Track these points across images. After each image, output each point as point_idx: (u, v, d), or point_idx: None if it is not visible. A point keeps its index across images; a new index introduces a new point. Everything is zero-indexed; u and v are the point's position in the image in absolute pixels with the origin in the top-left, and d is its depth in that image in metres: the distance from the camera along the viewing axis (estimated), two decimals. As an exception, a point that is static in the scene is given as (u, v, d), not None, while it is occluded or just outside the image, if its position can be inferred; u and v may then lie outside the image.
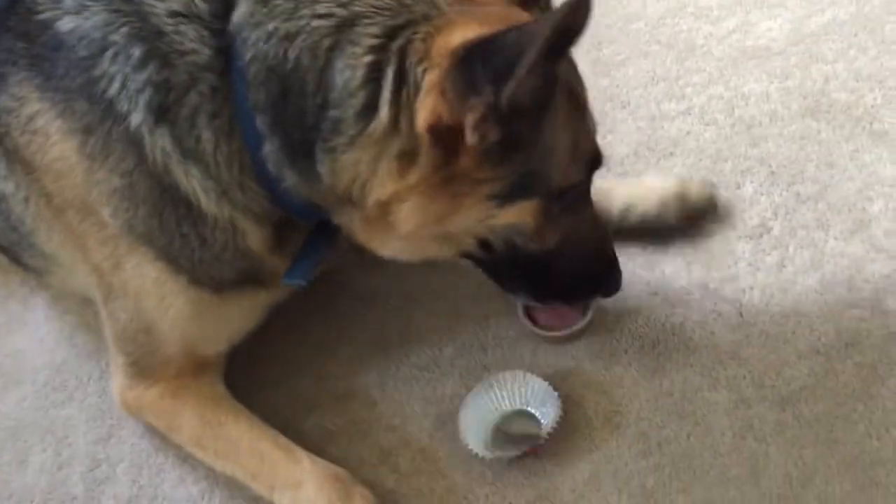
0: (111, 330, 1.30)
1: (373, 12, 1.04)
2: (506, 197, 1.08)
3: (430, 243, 1.16)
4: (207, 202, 1.14)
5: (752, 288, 1.34)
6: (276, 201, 1.15)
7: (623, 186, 1.44)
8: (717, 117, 1.57)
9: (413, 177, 1.05)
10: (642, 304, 1.35)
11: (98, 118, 1.12)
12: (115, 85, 1.10)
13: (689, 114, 1.58)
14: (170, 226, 1.16)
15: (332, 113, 1.04)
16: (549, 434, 1.20)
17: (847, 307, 1.29)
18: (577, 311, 1.33)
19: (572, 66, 1.12)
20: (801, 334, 1.28)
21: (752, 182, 1.46)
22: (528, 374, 1.27)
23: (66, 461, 1.34)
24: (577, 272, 1.22)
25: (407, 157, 1.04)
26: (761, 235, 1.40)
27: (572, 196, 1.15)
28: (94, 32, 1.11)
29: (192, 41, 1.09)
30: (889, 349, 1.24)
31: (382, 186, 1.06)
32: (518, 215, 1.11)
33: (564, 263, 1.20)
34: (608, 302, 1.32)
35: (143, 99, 1.10)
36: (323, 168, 1.07)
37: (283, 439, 1.25)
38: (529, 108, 1.00)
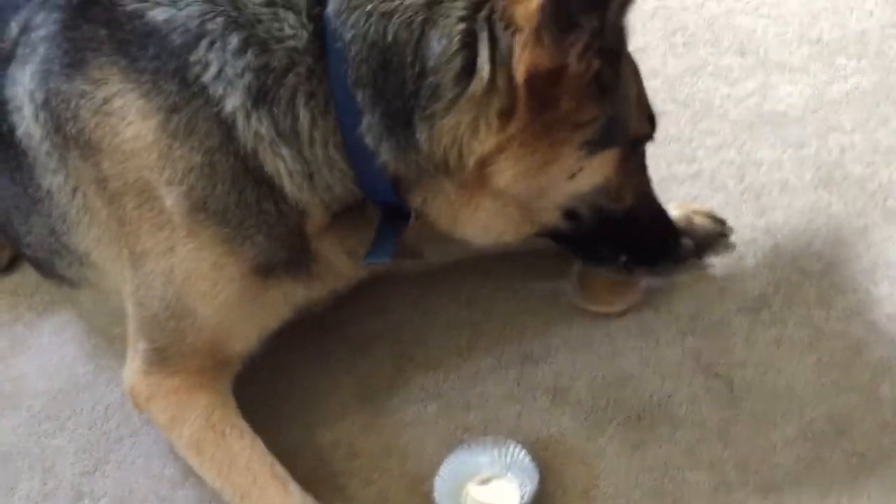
0: (138, 317, 1.30)
1: None
2: (595, 144, 1.16)
3: (513, 212, 1.22)
4: (291, 183, 1.18)
5: (745, 364, 1.31)
6: (361, 181, 1.20)
7: None
8: (726, 182, 1.55)
9: (513, 128, 1.12)
10: (633, 374, 1.33)
11: (187, 99, 1.16)
12: (212, 70, 1.15)
13: (699, 178, 1.56)
14: (249, 204, 1.19)
15: (430, 80, 1.11)
16: None
17: (842, 391, 1.26)
18: (633, 287, 1.41)
19: (633, 59, 1.24)
20: (792, 417, 1.24)
21: (755, 253, 1.44)
22: (510, 441, 1.25)
23: (50, 491, 1.36)
24: (652, 233, 1.34)
25: (506, 114, 1.11)
26: (760, 309, 1.37)
27: (640, 152, 1.29)
28: (189, 22, 1.16)
29: (290, 27, 1.14)
30: (881, 439, 1.21)
31: (483, 143, 1.13)
32: (603, 169, 1.20)
33: (643, 223, 1.31)
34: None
35: (242, 83, 1.14)
36: (422, 135, 1.13)
37: (279, 468, 1.24)
38: (612, 50, 1.11)
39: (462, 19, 1.11)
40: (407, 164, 1.17)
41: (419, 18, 1.12)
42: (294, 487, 1.23)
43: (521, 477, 1.22)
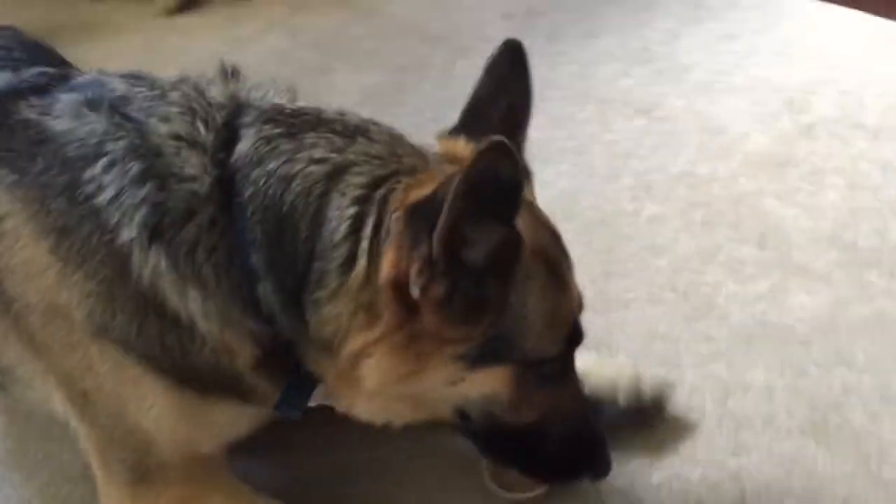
0: (95, 440, 1.21)
1: (364, 160, 1.07)
2: (475, 360, 1.06)
3: (399, 405, 1.13)
4: (207, 325, 1.09)
5: None
6: (274, 335, 1.10)
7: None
8: (705, 402, 1.36)
9: (378, 331, 1.04)
10: None
11: (77, 221, 1.09)
12: (107, 194, 1.08)
13: (676, 390, 1.38)
14: (150, 335, 1.10)
15: (318, 264, 1.05)
16: None
17: None
18: None
19: (552, 236, 1.13)
20: None
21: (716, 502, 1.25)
22: None
23: None
24: (560, 451, 1.18)
25: (374, 311, 1.04)
26: (707, 574, 1.18)
27: (549, 369, 1.13)
28: (89, 138, 1.11)
29: (192, 167, 1.08)
30: None
31: (353, 339, 1.05)
32: (490, 383, 1.09)
33: (547, 440, 1.17)
34: None
35: (139, 216, 1.07)
36: (311, 317, 1.06)
37: None
38: (490, 268, 1.01)
39: (356, 200, 1.05)
40: (298, 336, 1.10)
41: (317, 191, 1.06)
42: None
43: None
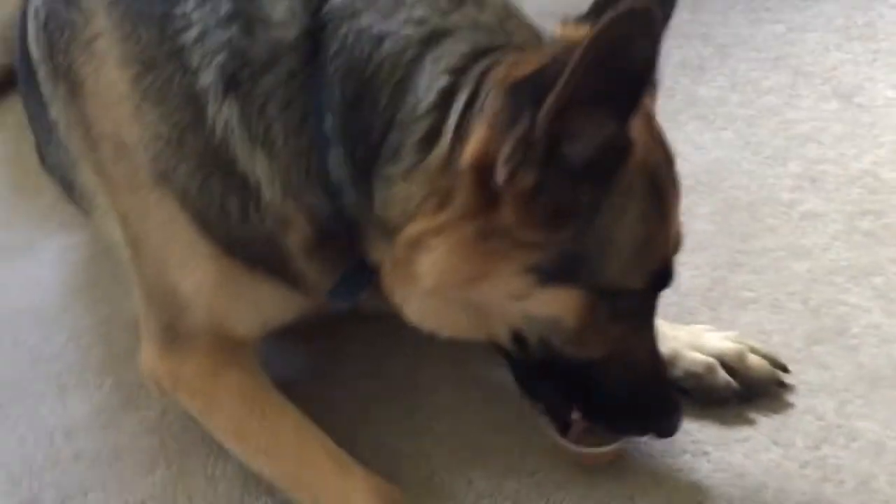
0: (140, 286, 1.22)
1: (468, 27, 0.98)
2: (548, 274, 0.97)
3: (454, 313, 1.05)
4: (272, 191, 1.05)
5: None
6: (337, 212, 1.05)
7: (667, 328, 1.21)
8: (796, 440, 1.14)
9: (444, 216, 0.95)
10: None
11: (164, 56, 1.07)
12: (193, 32, 1.05)
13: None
14: (211, 194, 1.08)
15: (395, 135, 0.98)
16: None
17: None
18: None
19: (666, 158, 1.02)
20: None
21: None
22: None
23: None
24: (624, 398, 1.08)
25: (447, 197, 0.95)
26: None
27: (626, 306, 1.02)
28: None
29: (283, 13, 1.02)
30: None
31: (415, 223, 0.97)
32: (557, 304, 1.00)
33: (610, 383, 1.06)
34: None
35: (218, 61, 1.04)
36: (378, 194, 1.00)
37: (332, 445, 1.12)
38: (589, 170, 0.91)
39: (451, 70, 0.96)
40: (363, 216, 1.03)
41: (410, 55, 0.97)
42: (353, 465, 1.10)
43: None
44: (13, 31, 1.58)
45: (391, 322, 1.11)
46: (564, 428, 1.13)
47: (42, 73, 1.22)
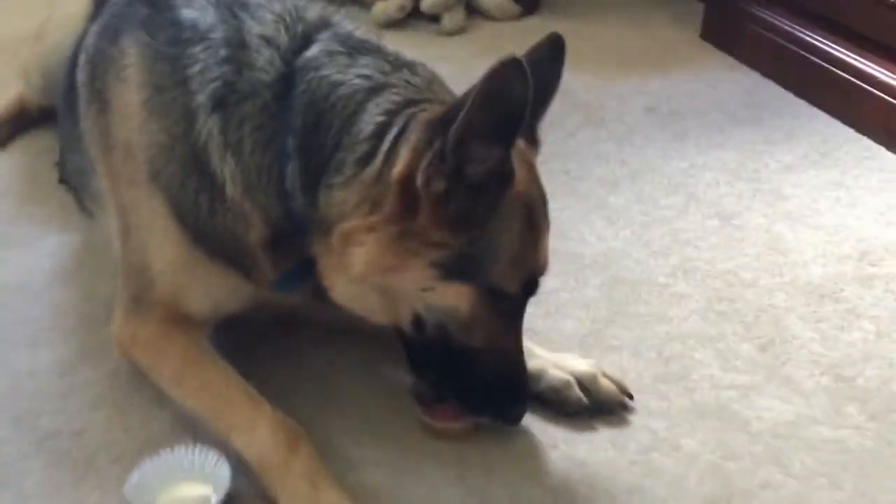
0: (122, 266, 1.48)
1: (402, 85, 1.30)
2: (447, 270, 1.24)
3: (372, 298, 1.32)
4: (233, 189, 1.34)
5: None
6: (288, 215, 1.33)
7: (541, 352, 1.49)
8: (628, 447, 1.40)
9: (375, 218, 1.23)
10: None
11: (172, 83, 1.37)
12: (196, 68, 1.36)
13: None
14: (188, 189, 1.37)
15: (340, 155, 1.27)
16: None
17: None
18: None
19: (541, 198, 1.31)
20: None
21: None
22: (207, 449, 1.31)
23: None
24: (489, 383, 1.33)
25: (377, 205, 1.24)
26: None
27: (505, 306, 1.30)
28: (202, 26, 1.39)
29: (265, 61, 1.34)
30: None
31: (350, 221, 1.25)
32: (454, 297, 1.27)
33: (481, 369, 1.32)
34: None
35: (211, 88, 1.34)
36: (321, 198, 1.28)
37: (251, 389, 1.36)
38: (483, 188, 1.20)
39: (387, 112, 1.27)
40: (308, 216, 1.31)
41: (357, 98, 1.28)
42: (264, 404, 1.34)
43: (214, 482, 1.28)
44: (52, 71, 1.95)
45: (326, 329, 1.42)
46: (429, 405, 1.41)
47: (82, 94, 1.55)
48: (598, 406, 1.45)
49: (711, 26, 2.97)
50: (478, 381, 1.33)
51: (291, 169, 1.30)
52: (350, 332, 1.54)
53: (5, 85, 2.28)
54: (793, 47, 2.63)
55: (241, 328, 1.53)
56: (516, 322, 1.35)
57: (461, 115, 1.15)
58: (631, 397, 1.48)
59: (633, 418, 1.46)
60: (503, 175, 1.22)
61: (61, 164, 1.90)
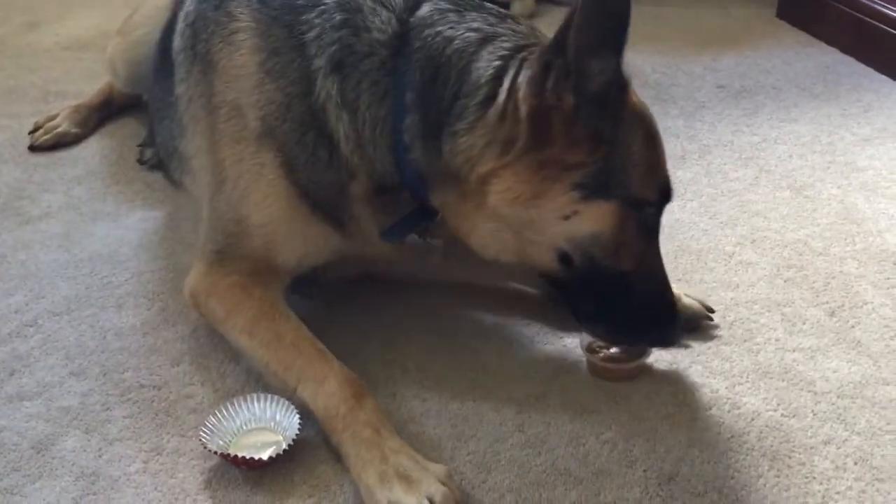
0: (208, 220, 1.54)
1: (510, 33, 1.37)
2: (589, 190, 1.28)
3: (510, 236, 1.35)
4: (346, 144, 1.41)
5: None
6: (398, 168, 1.38)
7: None
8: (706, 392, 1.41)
9: (511, 156, 1.28)
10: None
11: (288, 48, 1.44)
12: (313, 33, 1.43)
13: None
14: (306, 145, 1.43)
15: (461, 102, 1.32)
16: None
17: None
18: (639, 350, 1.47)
19: (655, 124, 1.35)
20: None
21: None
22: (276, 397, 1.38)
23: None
24: (642, 307, 1.37)
25: (510, 142, 1.28)
26: None
27: (647, 217, 1.34)
28: None
29: (381, 23, 1.40)
30: None
31: (485, 163, 1.30)
32: (598, 218, 1.30)
33: (633, 293, 1.36)
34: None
35: (330, 51, 1.41)
36: (445, 146, 1.33)
37: (321, 345, 1.42)
38: (605, 102, 1.26)
39: (501, 57, 1.32)
40: (430, 167, 1.36)
41: (471, 49, 1.34)
42: (333, 359, 1.39)
43: (283, 430, 1.35)
44: (136, 62, 2.06)
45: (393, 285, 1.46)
46: (598, 352, 1.46)
47: (180, 59, 1.61)
48: (687, 322, 1.50)
49: (788, 4, 2.93)
50: (632, 308, 1.37)
51: (409, 122, 1.35)
52: (415, 289, 1.60)
53: (95, 77, 2.45)
54: (874, 22, 2.58)
55: (313, 289, 1.61)
56: (656, 240, 1.39)
57: (572, 31, 1.21)
58: (712, 312, 1.54)
59: (694, 378, 1.47)
60: (620, 84, 1.28)
61: (143, 146, 1.99)
